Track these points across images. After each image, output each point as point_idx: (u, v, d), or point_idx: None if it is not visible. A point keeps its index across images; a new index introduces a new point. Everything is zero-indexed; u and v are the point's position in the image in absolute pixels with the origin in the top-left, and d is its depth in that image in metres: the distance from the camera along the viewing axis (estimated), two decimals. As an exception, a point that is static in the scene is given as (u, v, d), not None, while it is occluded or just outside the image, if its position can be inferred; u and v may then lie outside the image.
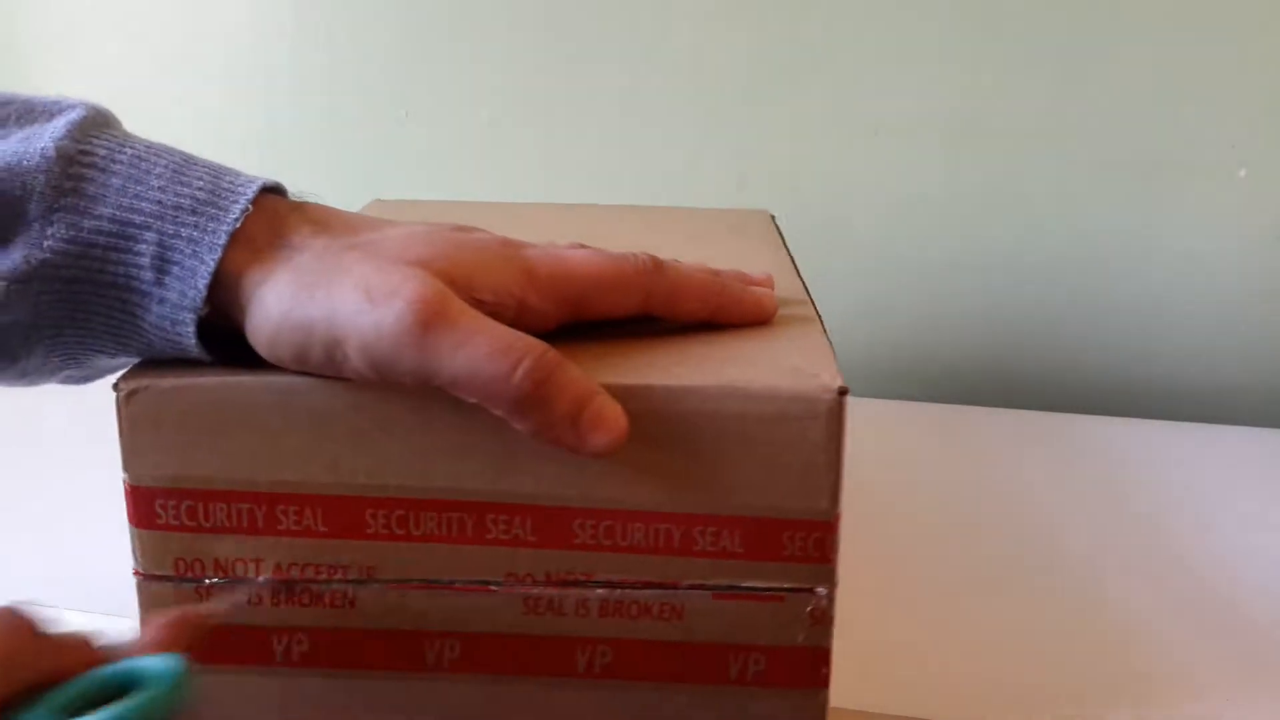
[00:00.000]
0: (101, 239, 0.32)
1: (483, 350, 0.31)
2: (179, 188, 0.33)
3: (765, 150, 0.86)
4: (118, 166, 0.33)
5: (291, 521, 0.35)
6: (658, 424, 0.33)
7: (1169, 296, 0.81)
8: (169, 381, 0.34)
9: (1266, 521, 0.59)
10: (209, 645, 0.35)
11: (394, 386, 0.33)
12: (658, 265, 0.37)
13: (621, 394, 0.32)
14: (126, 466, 0.35)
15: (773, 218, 0.64)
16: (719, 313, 0.38)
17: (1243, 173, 0.78)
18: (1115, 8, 0.77)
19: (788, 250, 0.53)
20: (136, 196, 0.33)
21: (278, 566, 0.35)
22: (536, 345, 0.31)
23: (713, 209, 0.66)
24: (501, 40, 0.89)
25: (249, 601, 0.35)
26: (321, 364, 0.32)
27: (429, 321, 0.31)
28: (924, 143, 0.83)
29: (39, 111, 0.34)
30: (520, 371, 0.31)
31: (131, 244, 0.32)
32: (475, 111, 0.90)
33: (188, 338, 0.33)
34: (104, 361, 0.35)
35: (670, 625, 0.35)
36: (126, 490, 0.35)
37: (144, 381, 0.34)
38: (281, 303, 0.32)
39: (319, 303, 0.32)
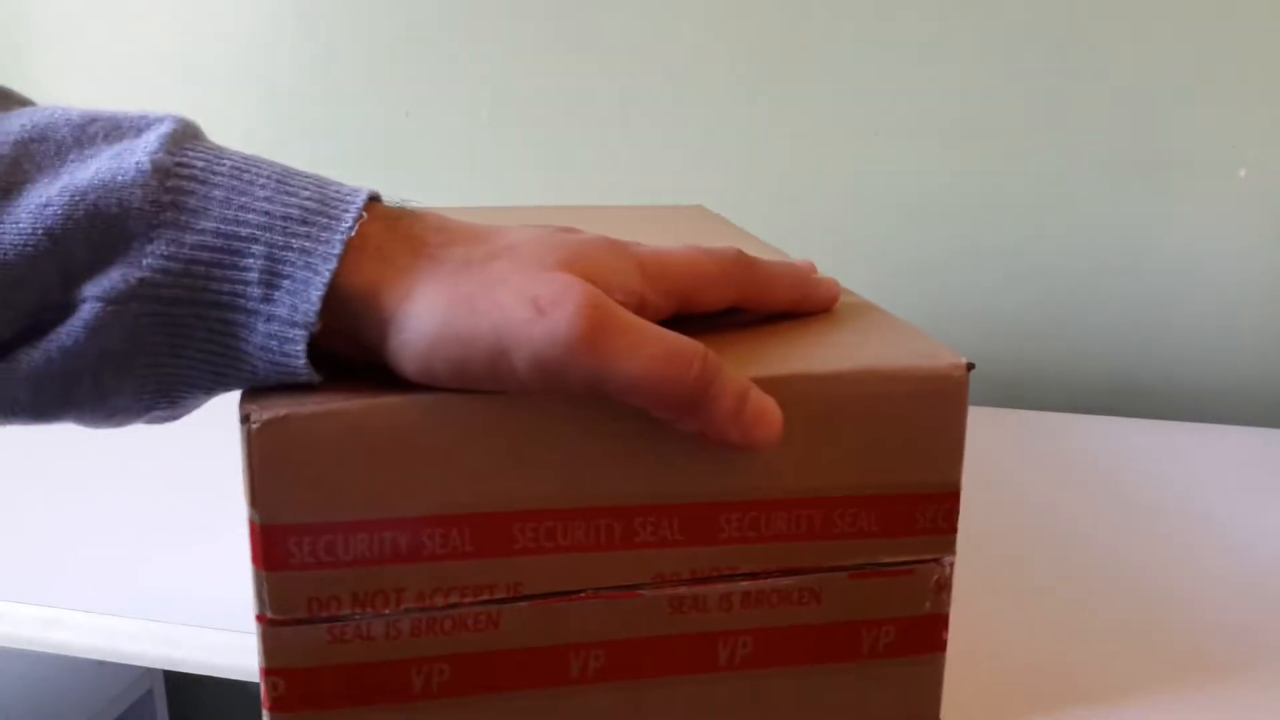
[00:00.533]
0: (205, 254, 0.31)
1: (656, 353, 0.31)
2: (285, 197, 0.31)
3: (765, 150, 0.86)
4: (219, 178, 0.31)
5: (437, 545, 0.33)
6: (801, 412, 0.34)
7: (1169, 296, 0.81)
8: (310, 408, 0.31)
9: (1267, 521, 0.59)
10: (341, 687, 0.33)
11: (546, 397, 0.32)
12: (749, 259, 0.38)
13: (767, 385, 0.33)
14: (256, 505, 0.32)
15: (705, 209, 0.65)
16: (801, 303, 0.40)
17: (1243, 173, 0.78)
18: (1115, 8, 0.77)
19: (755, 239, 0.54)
20: (242, 208, 0.31)
21: (420, 594, 0.33)
22: (698, 345, 0.32)
23: (649, 206, 0.67)
24: (501, 40, 0.89)
25: (386, 635, 0.33)
26: (481, 378, 0.31)
27: (602, 326, 0.30)
28: (924, 143, 0.83)
29: (126, 127, 0.32)
30: (693, 372, 0.31)
31: (238, 259, 0.31)
32: (475, 111, 0.90)
33: (296, 357, 0.31)
34: (196, 397, 0.34)
35: (808, 609, 0.36)
36: (254, 532, 0.32)
37: (279, 410, 0.31)
38: (436, 315, 0.31)
39: (482, 314, 0.30)
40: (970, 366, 0.35)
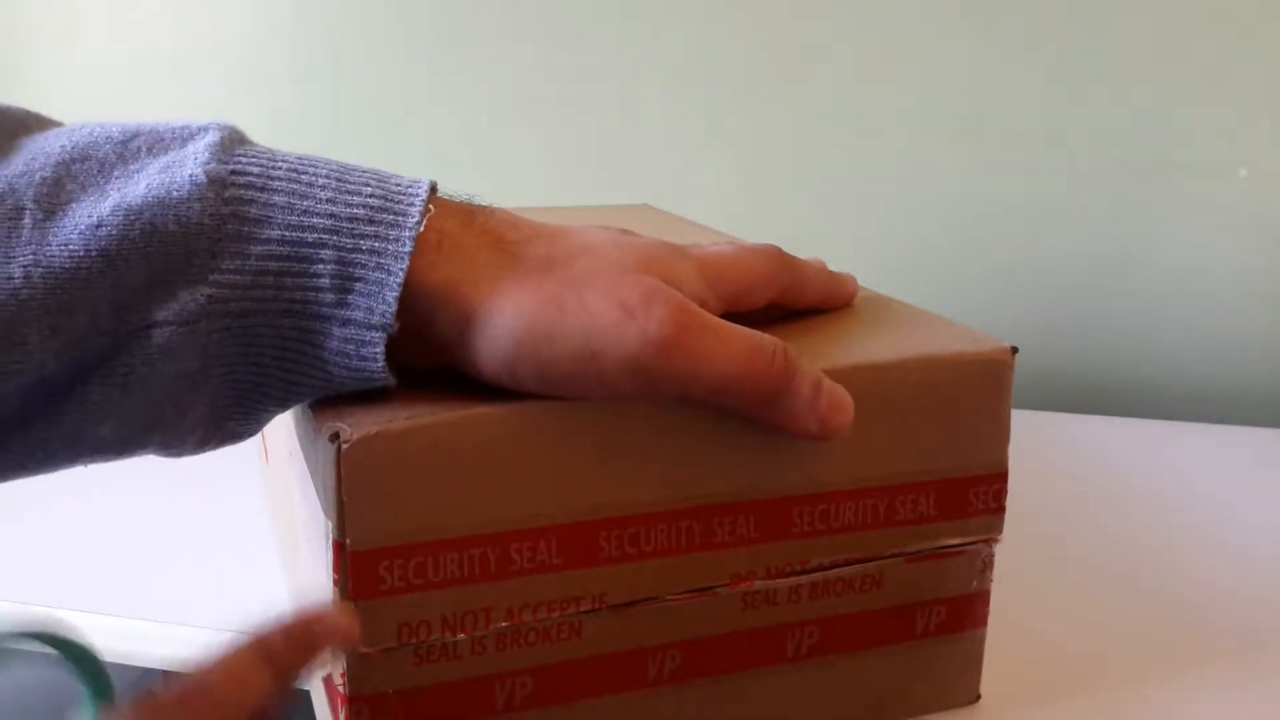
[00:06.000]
0: (274, 264, 0.30)
1: (739, 351, 0.31)
2: (348, 197, 0.30)
3: (765, 150, 0.86)
4: (277, 183, 0.30)
5: (525, 560, 0.32)
6: (867, 401, 0.34)
7: (1169, 296, 0.81)
8: (401, 424, 0.30)
9: (1267, 521, 0.59)
10: (425, 707, 0.32)
11: (630, 399, 0.32)
12: (789, 258, 0.38)
13: (835, 377, 0.33)
14: (348, 530, 0.30)
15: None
16: (829, 299, 0.40)
17: (1243, 173, 0.78)
18: (1116, 8, 0.77)
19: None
20: (305, 213, 0.30)
21: (509, 611, 0.32)
22: (776, 339, 0.32)
23: (598, 206, 0.67)
24: (501, 40, 0.89)
25: (472, 652, 0.32)
26: (564, 379, 0.30)
27: (688, 328, 0.30)
28: (924, 143, 0.83)
29: (170, 139, 0.31)
30: (776, 367, 0.32)
31: (307, 265, 0.30)
32: (475, 112, 0.90)
33: (374, 361, 0.30)
34: (269, 409, 0.32)
35: (869, 595, 0.37)
36: (347, 558, 0.30)
37: (370, 428, 0.29)
38: (525, 315, 0.30)
39: (572, 316, 0.30)
40: (1014, 350, 0.36)
